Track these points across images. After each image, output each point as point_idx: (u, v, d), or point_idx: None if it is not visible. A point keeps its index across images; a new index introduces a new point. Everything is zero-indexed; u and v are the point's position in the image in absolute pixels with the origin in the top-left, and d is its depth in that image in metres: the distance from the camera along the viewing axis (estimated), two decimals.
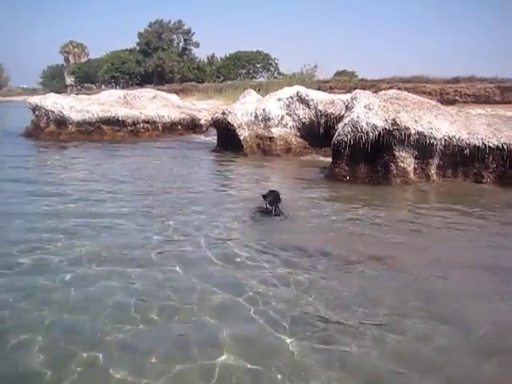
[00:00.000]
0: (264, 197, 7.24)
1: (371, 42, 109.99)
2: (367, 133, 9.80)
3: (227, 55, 72.79)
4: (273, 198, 7.22)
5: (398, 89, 17.49)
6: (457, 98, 29.77)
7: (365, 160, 10.18)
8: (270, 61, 73.63)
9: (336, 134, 10.35)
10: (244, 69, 72.00)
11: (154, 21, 73.92)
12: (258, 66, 73.45)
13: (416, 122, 9.78)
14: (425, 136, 9.77)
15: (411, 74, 34.83)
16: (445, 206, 8.12)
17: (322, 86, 31.27)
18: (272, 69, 73.00)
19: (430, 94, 26.83)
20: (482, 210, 7.87)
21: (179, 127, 20.81)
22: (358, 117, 9.92)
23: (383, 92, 11.41)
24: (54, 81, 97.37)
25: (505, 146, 10.05)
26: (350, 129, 9.95)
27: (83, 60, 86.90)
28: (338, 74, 48.05)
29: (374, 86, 34.84)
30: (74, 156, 13.97)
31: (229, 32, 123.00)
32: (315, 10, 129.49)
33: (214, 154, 14.80)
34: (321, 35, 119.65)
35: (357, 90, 11.29)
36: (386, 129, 9.75)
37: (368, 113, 9.95)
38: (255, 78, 67.19)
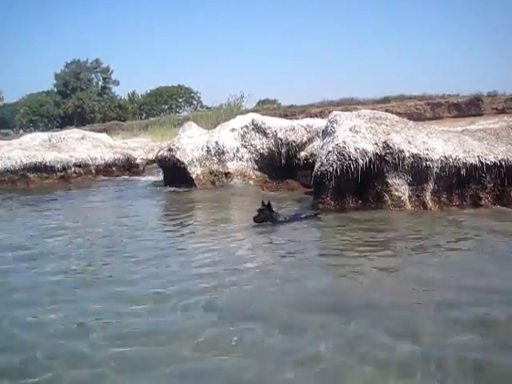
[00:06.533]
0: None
1: (289, 68, 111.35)
2: (356, 160, 8.38)
3: (148, 92, 70.62)
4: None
5: (329, 112, 16.32)
6: None
7: (353, 192, 8.78)
8: (192, 94, 72.23)
9: (318, 163, 8.87)
10: (166, 104, 69.95)
11: (70, 61, 70.48)
12: (181, 100, 71.75)
13: (410, 143, 8.50)
14: (420, 158, 8.48)
15: (338, 97, 34.76)
16: None
17: None
18: (195, 102, 71.54)
19: None
20: None
21: (114, 169, 18.55)
22: (345, 142, 8.49)
23: (356, 112, 10.11)
24: None
25: (502, 163, 8.97)
26: (335, 157, 8.47)
27: None
28: (261, 102, 47.19)
29: (304, 111, 34.19)
30: None
31: (148, 68, 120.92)
32: (229, 39, 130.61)
33: (164, 193, 12.88)
34: (238, 65, 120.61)
35: (335, 112, 9.83)
36: (377, 154, 8.40)
37: (355, 136, 8.54)
38: (178, 112, 65.28)
